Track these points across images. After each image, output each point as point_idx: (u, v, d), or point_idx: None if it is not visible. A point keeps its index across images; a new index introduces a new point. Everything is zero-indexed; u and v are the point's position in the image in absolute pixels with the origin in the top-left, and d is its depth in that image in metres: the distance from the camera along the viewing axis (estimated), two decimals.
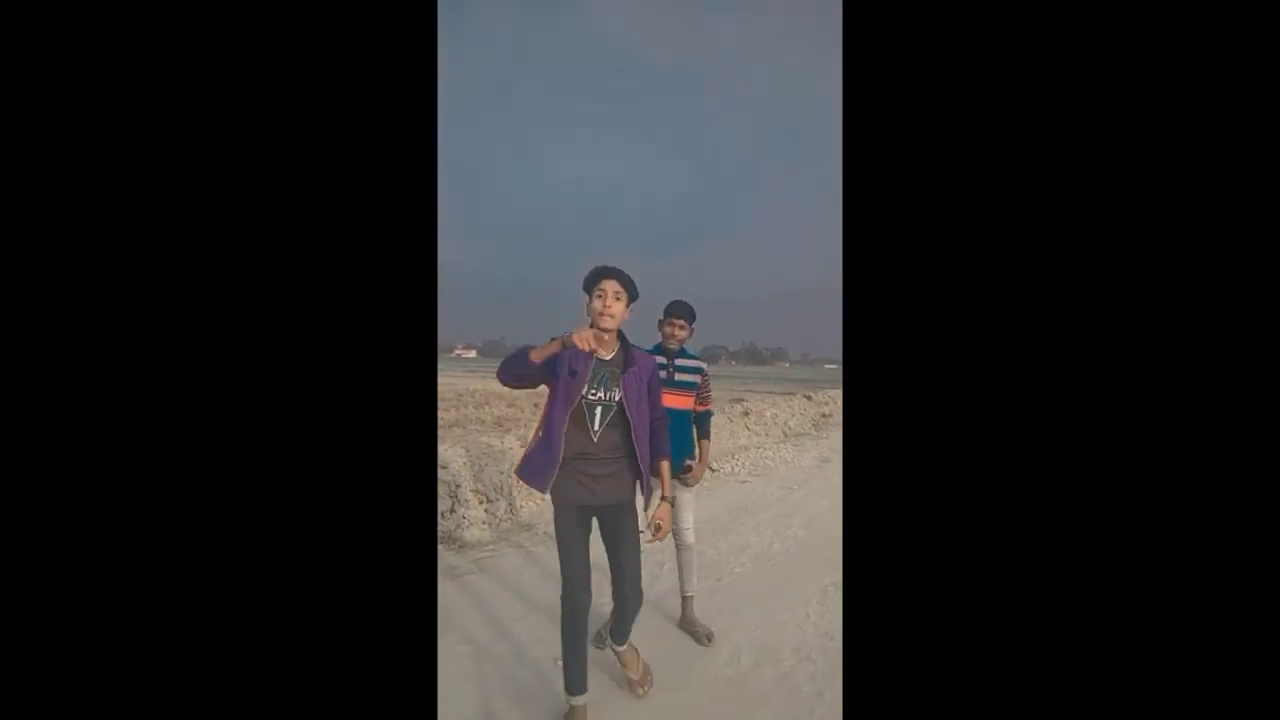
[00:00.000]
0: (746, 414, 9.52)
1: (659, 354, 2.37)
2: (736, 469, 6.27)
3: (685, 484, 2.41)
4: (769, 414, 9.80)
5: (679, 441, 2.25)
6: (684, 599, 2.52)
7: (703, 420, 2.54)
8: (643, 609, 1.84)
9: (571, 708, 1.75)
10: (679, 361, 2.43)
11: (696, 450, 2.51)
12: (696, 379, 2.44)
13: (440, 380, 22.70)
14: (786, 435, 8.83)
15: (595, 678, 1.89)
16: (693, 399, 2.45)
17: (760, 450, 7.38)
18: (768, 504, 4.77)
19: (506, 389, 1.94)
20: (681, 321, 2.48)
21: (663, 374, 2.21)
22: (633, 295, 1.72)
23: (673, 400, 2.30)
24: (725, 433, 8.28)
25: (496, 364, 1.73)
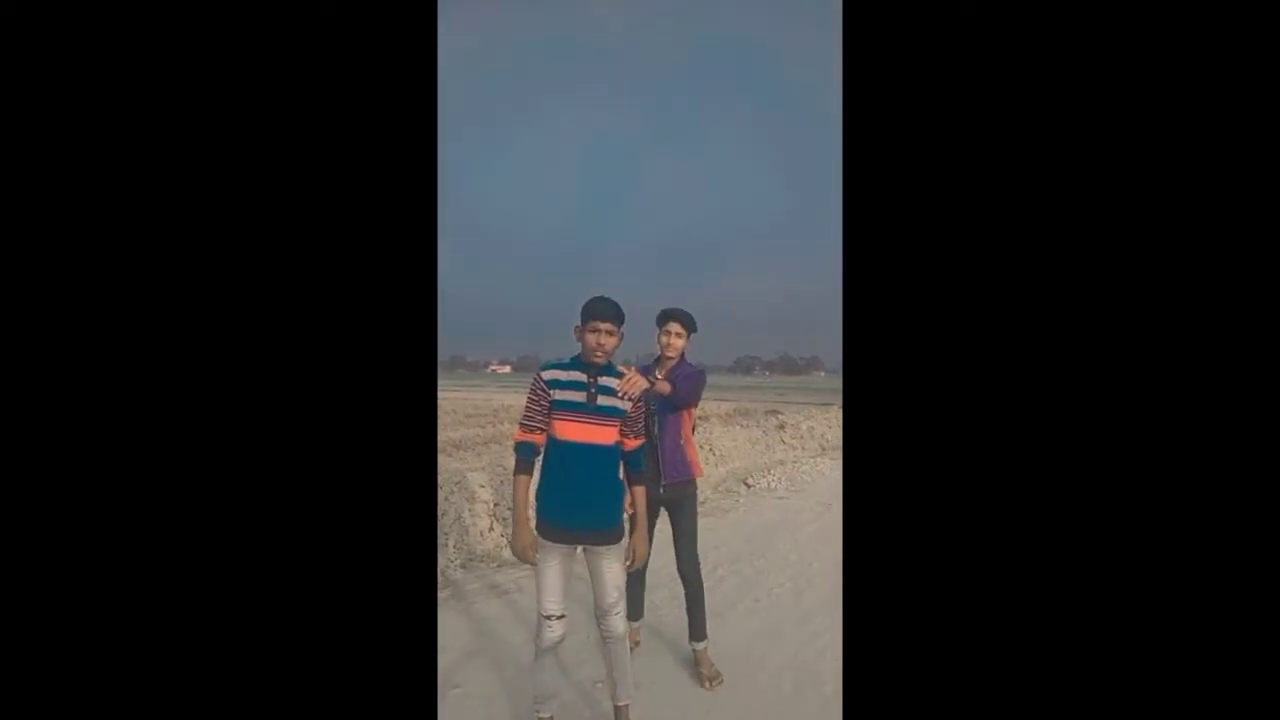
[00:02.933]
0: (782, 427, 9.41)
1: (577, 368, 1.77)
2: (773, 484, 6.19)
3: (617, 558, 1.79)
4: (805, 426, 9.67)
5: (602, 494, 1.75)
6: (615, 709, 1.84)
7: (634, 459, 1.82)
8: (655, 650, 1.83)
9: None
10: (603, 380, 1.74)
11: (628, 501, 1.85)
12: (626, 404, 1.76)
13: (476, 396, 23.16)
14: (824, 448, 8.68)
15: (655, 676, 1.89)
16: (616, 431, 1.77)
17: (797, 465, 7.27)
18: (806, 520, 4.70)
19: None
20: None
21: (580, 396, 1.73)
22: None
23: (591, 433, 1.72)
24: (760, 446, 8.19)
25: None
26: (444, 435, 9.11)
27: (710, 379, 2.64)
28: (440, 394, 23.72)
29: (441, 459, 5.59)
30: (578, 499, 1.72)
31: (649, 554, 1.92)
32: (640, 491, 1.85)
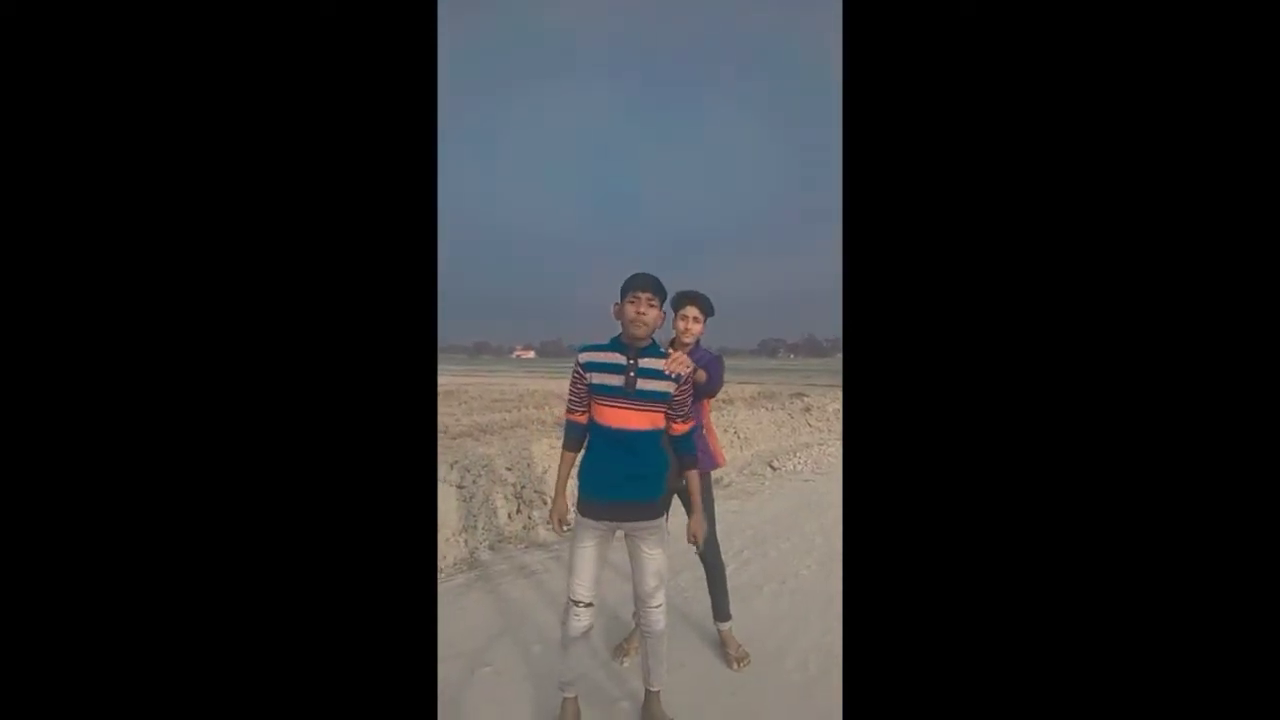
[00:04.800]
0: (807, 410, 9.32)
1: (615, 349, 1.71)
2: (798, 467, 6.15)
3: (658, 542, 1.76)
4: (830, 408, 9.55)
5: (643, 470, 1.70)
6: (647, 693, 1.85)
7: (684, 443, 1.78)
8: (681, 632, 1.82)
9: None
10: (644, 363, 1.66)
11: (689, 490, 1.83)
12: (669, 388, 1.68)
13: (502, 381, 23.47)
14: None
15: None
16: (658, 416, 1.71)
17: (823, 447, 7.20)
18: (832, 503, 4.65)
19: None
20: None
21: (617, 379, 1.66)
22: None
23: (630, 419, 1.66)
24: (786, 429, 8.13)
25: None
26: (469, 420, 9.26)
27: (734, 362, 2.59)
28: (465, 379, 24.16)
29: (467, 443, 5.69)
30: (617, 476, 1.68)
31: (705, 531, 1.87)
32: (694, 475, 1.80)
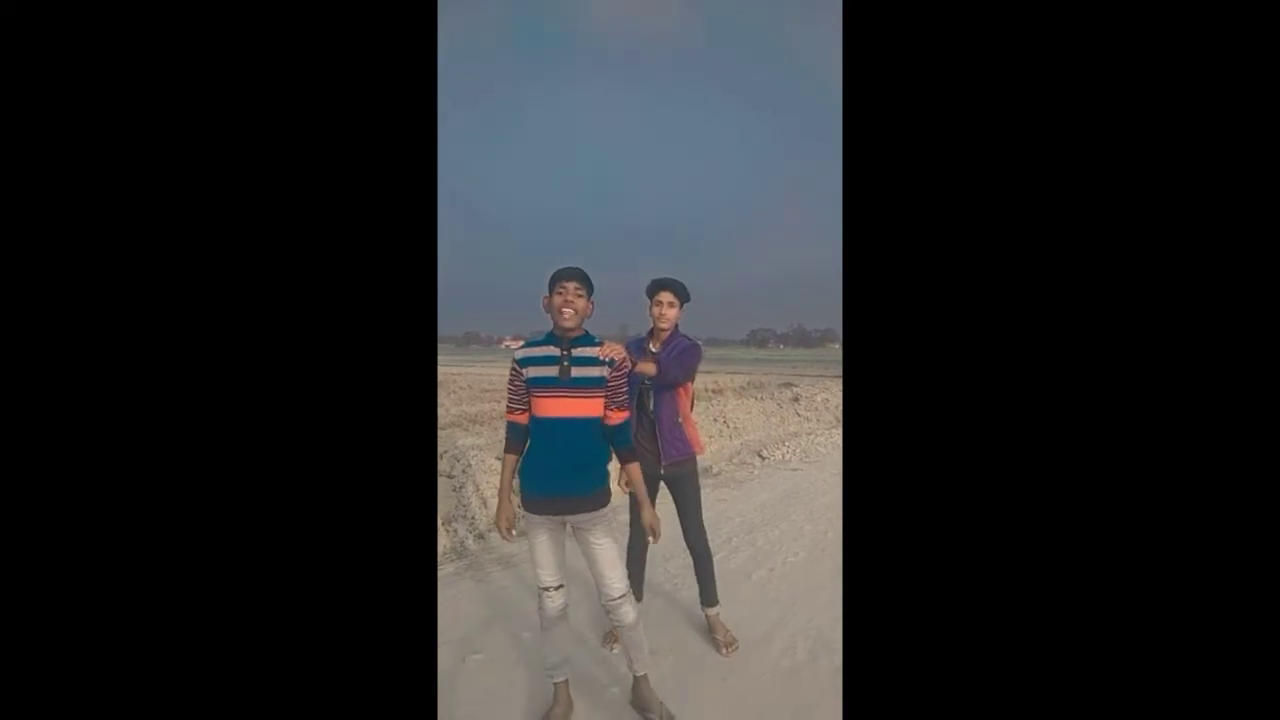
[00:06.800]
0: (796, 399, 9.37)
1: (550, 343, 1.72)
2: (787, 456, 6.19)
3: (607, 531, 1.74)
4: (819, 398, 9.61)
5: (581, 460, 1.70)
6: (634, 678, 1.86)
7: (620, 435, 1.75)
8: (672, 618, 1.82)
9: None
10: (577, 351, 1.68)
11: (624, 480, 1.84)
12: (603, 373, 1.69)
13: (491, 371, 23.37)
14: (838, 420, 8.64)
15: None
16: (601, 403, 1.70)
17: (811, 436, 7.25)
18: (821, 491, 4.70)
19: None
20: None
21: (552, 370, 1.67)
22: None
23: (567, 407, 1.67)
24: (775, 419, 8.18)
25: None
26: (458, 410, 9.22)
27: (724, 352, 2.58)
28: (455, 369, 24.04)
29: (456, 433, 5.66)
30: (556, 468, 1.68)
31: (659, 528, 1.83)
32: (635, 468, 1.79)
